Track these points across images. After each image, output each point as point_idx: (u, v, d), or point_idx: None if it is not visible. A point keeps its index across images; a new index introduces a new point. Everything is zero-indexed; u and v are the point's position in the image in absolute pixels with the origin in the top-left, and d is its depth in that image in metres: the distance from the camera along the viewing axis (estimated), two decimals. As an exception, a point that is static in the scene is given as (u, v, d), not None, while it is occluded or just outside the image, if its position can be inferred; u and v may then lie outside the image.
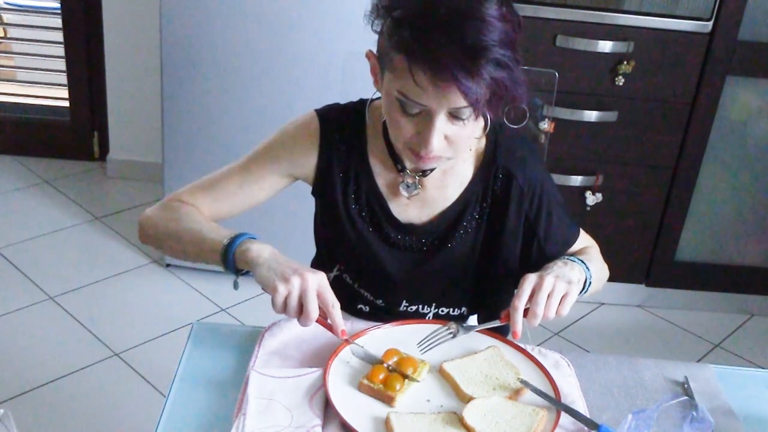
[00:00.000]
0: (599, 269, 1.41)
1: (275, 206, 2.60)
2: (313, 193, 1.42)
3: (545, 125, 2.26)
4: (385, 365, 1.18)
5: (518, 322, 1.21)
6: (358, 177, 1.37)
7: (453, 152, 1.24)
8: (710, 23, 2.45)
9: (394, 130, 1.25)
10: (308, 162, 1.38)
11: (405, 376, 1.17)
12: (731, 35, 2.49)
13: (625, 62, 2.48)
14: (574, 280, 1.26)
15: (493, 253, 1.40)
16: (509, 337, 1.27)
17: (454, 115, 1.18)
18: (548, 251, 1.39)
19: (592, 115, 2.54)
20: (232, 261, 1.24)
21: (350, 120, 1.37)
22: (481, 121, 1.23)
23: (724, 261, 2.89)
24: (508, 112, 1.62)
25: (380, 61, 1.22)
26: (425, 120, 1.18)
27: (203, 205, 1.38)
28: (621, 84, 2.51)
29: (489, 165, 1.36)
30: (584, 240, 1.46)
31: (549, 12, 2.44)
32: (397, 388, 1.13)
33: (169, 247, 1.37)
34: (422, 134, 1.19)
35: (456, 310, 1.47)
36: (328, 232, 1.46)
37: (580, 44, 2.45)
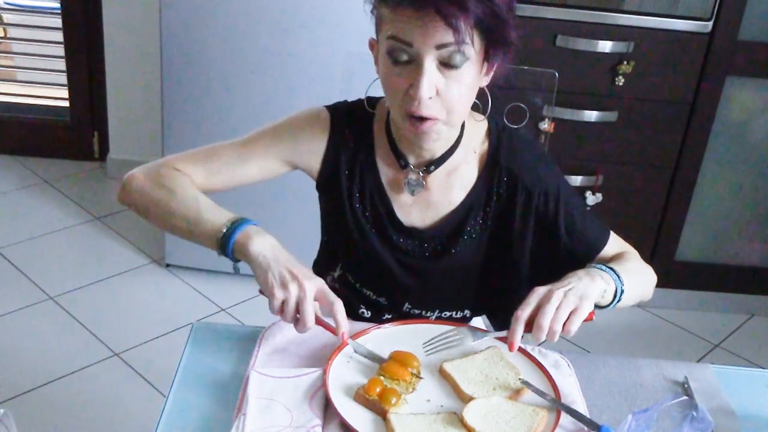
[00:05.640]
0: (638, 275, 1.34)
1: (278, 205, 2.61)
2: (318, 188, 1.41)
3: (545, 125, 2.26)
4: (366, 396, 1.14)
5: (517, 333, 1.17)
6: (363, 174, 1.36)
7: (446, 113, 1.21)
8: (710, 23, 2.45)
9: (389, 93, 1.24)
10: (315, 153, 1.36)
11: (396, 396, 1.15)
12: (731, 35, 2.49)
13: (625, 62, 2.48)
14: (591, 294, 1.19)
15: (499, 256, 1.39)
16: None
17: (444, 63, 1.17)
18: (576, 253, 1.36)
19: (592, 115, 2.54)
20: (231, 250, 1.22)
21: (359, 116, 1.37)
22: (472, 78, 1.21)
23: (724, 261, 2.89)
24: (508, 112, 1.62)
25: (376, 34, 1.23)
26: (416, 70, 1.17)
27: (197, 175, 1.34)
28: (621, 84, 2.51)
29: (492, 168, 1.35)
30: (617, 244, 1.41)
31: (549, 12, 2.44)
32: (393, 401, 1.12)
33: (155, 216, 1.32)
34: (413, 84, 1.18)
35: (459, 312, 1.46)
36: (331, 229, 1.46)
37: (580, 44, 2.45)
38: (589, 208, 2.65)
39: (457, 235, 1.36)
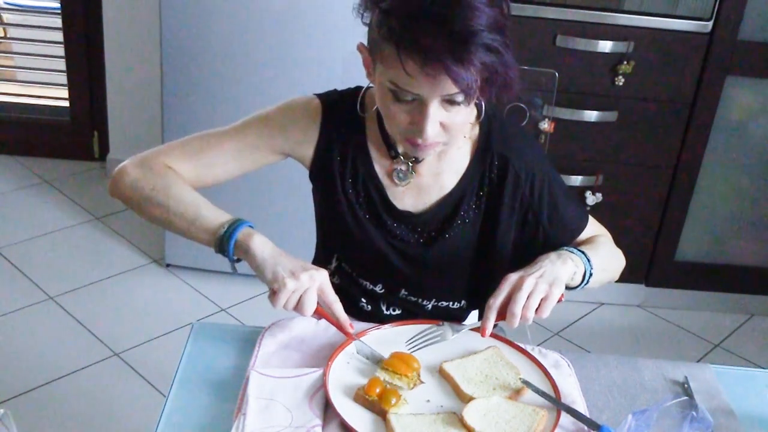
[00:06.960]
0: (607, 258, 1.39)
1: (274, 200, 2.61)
2: (311, 176, 1.41)
3: (545, 125, 2.26)
4: (366, 396, 1.14)
5: (490, 320, 1.21)
6: (356, 162, 1.37)
7: (448, 137, 1.23)
8: (710, 23, 2.45)
9: (388, 121, 1.25)
10: (307, 142, 1.37)
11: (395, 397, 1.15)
12: (731, 35, 2.49)
13: (625, 62, 2.47)
14: (562, 277, 1.24)
15: (490, 243, 1.39)
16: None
17: (448, 101, 1.17)
18: (555, 238, 1.38)
19: (592, 115, 2.54)
20: (231, 249, 1.23)
21: (349, 105, 1.37)
22: (472, 105, 1.22)
23: (724, 261, 2.89)
24: (508, 112, 1.63)
25: (371, 53, 1.22)
26: (419, 108, 1.18)
27: (189, 172, 1.34)
28: (621, 84, 2.50)
29: (484, 152, 1.36)
30: (594, 227, 1.45)
31: (549, 12, 2.43)
32: (393, 402, 1.12)
33: (150, 213, 1.32)
34: (417, 123, 1.19)
35: (456, 303, 1.46)
36: (326, 218, 1.46)
37: (580, 44, 2.45)
38: (589, 208, 2.65)
39: (450, 219, 1.37)
